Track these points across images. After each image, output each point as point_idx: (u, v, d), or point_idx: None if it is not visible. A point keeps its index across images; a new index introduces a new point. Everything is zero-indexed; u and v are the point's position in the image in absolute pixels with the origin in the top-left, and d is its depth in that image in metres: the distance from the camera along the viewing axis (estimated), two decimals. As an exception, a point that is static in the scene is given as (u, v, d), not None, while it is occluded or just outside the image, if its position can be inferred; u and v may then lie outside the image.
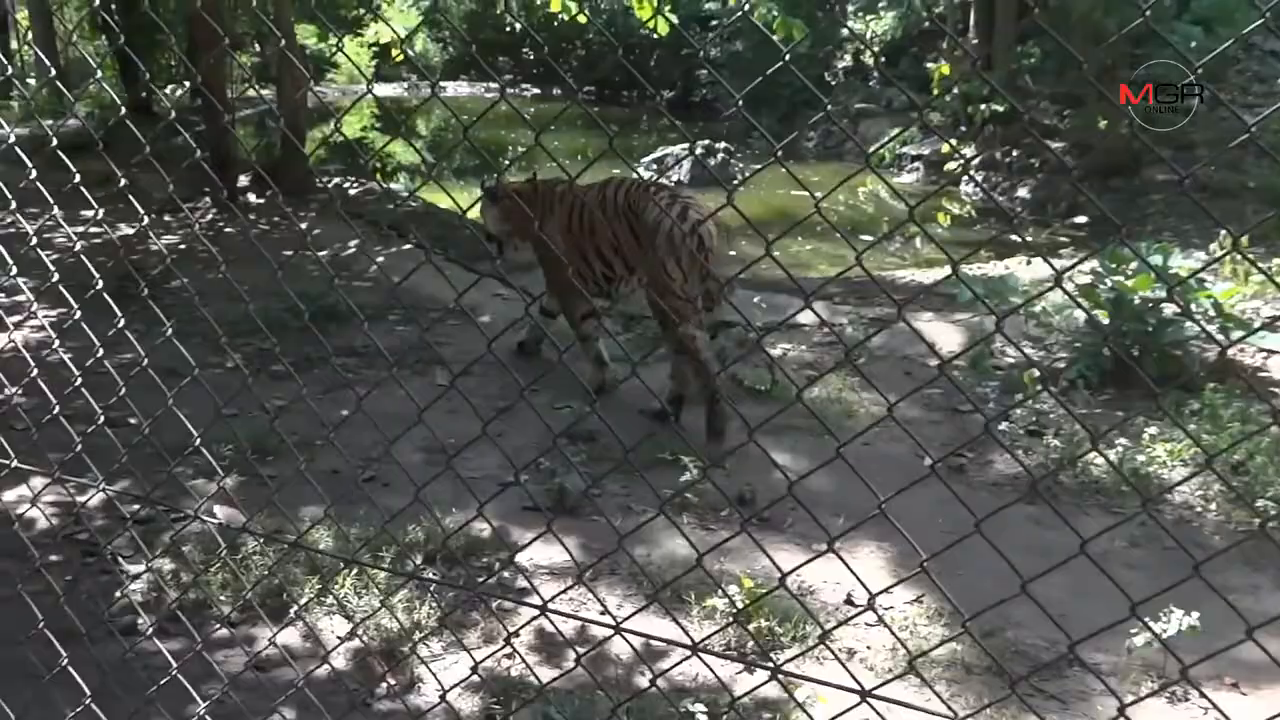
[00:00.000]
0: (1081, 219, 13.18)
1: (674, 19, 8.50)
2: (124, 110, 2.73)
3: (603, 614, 4.14)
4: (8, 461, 2.79)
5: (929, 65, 18.52)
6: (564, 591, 4.19)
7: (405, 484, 5.02)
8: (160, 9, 13.63)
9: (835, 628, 2.26)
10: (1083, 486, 5.44)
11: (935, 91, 12.42)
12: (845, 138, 17.08)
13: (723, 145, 16.23)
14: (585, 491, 5.06)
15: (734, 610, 4.14)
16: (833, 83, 20.60)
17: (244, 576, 4.24)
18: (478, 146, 3.43)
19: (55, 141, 2.58)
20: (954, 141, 14.19)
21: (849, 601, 4.48)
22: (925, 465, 5.66)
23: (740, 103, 1.75)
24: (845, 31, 20.80)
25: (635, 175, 8.39)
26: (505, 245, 7.22)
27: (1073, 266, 1.88)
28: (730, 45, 21.23)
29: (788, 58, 1.72)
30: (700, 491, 5.14)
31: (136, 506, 4.76)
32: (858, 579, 1.93)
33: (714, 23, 21.70)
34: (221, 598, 4.18)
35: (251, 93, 18.93)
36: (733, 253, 10.29)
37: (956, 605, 1.78)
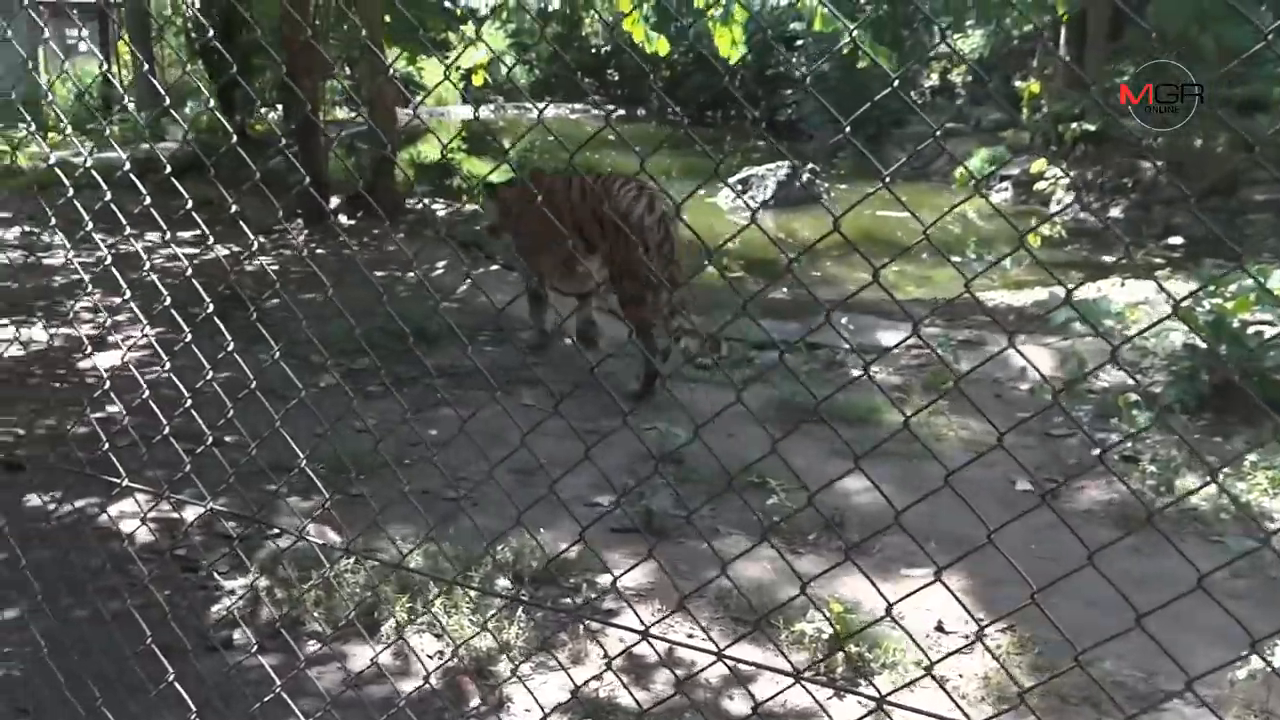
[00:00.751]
0: (1176, 240, 12.90)
1: (742, 49, 8.49)
2: (231, 136, 2.78)
3: (695, 637, 4.13)
4: (118, 480, 2.85)
5: (1018, 84, 18.32)
6: (665, 617, 4.18)
7: (494, 503, 5.10)
8: (256, 34, 13.92)
9: (942, 659, 2.21)
10: (1181, 514, 5.31)
11: (1025, 111, 12.29)
12: (931, 158, 16.93)
13: (809, 166, 16.17)
14: (686, 516, 5.06)
15: (826, 636, 4.11)
16: (920, 102, 20.45)
17: (336, 593, 4.29)
18: (579, 170, 3.45)
19: (169, 169, 2.63)
20: (1044, 160, 13.99)
21: (939, 629, 4.41)
22: (1019, 491, 5.58)
23: (847, 129, 1.73)
24: (932, 50, 20.64)
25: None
26: (502, 235, 8.04)
27: (1192, 295, 1.83)
28: (816, 66, 21.18)
29: (895, 83, 1.71)
30: (788, 513, 5.10)
31: (234, 523, 4.86)
32: (966, 610, 1.90)
33: (799, 43, 21.65)
34: (315, 614, 4.24)
35: (342, 115, 19.32)
36: (816, 273, 10.25)
37: (1069, 638, 1.75)
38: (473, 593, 4.27)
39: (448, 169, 14.86)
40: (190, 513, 5.00)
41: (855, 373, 7.22)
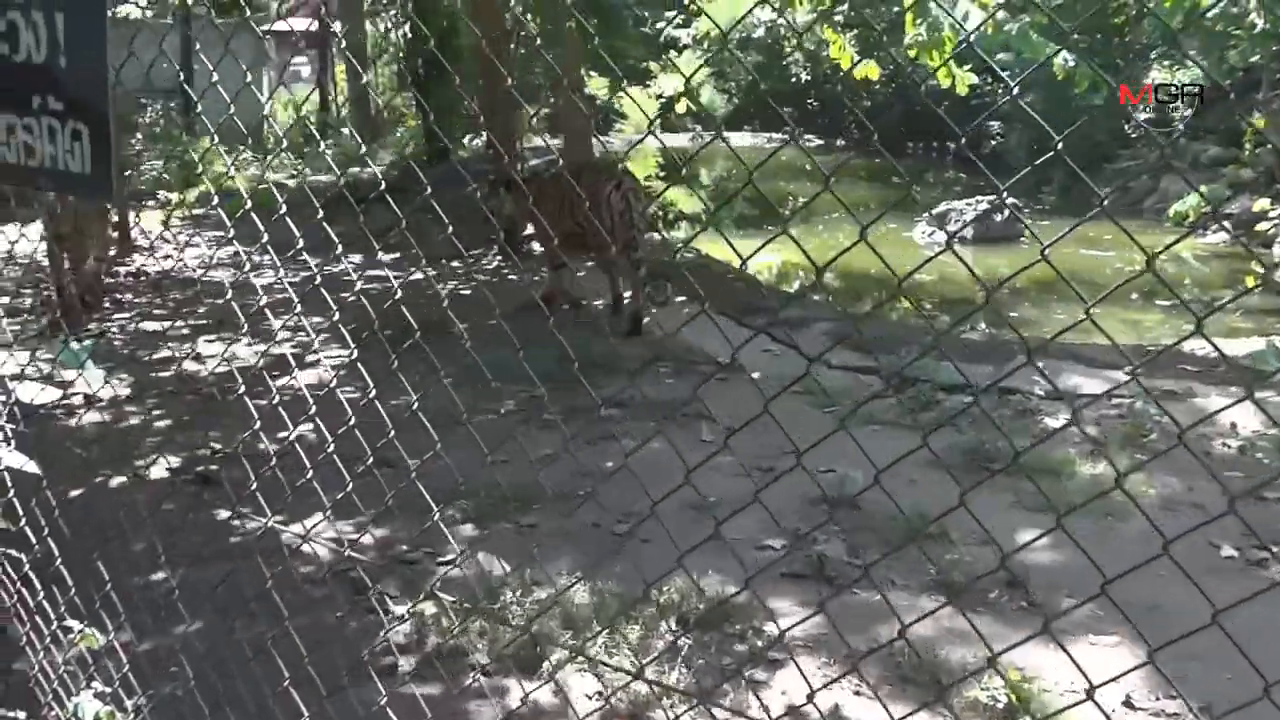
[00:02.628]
0: None
1: (973, 77, 8.16)
2: (433, 160, 2.79)
3: (862, 694, 3.97)
4: (280, 499, 2.89)
5: (1245, 120, 17.35)
6: (833, 682, 4.01)
7: (665, 540, 5.01)
8: (459, 63, 14.37)
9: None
10: None
11: (1248, 147, 11.58)
12: (1143, 194, 16.16)
13: (1010, 201, 15.62)
14: (860, 566, 4.89)
15: (1001, 705, 3.88)
16: (1132, 135, 19.57)
17: (500, 626, 4.29)
18: (765, 194, 3.36)
19: (384, 185, 2.66)
20: (1268, 199, 13.19)
21: (1128, 704, 4.12)
22: (1222, 557, 5.19)
23: (1059, 145, 1.58)
24: (1147, 81, 19.74)
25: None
26: (517, 228, 9.91)
27: None
28: (1022, 95, 20.49)
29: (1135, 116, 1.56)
30: (967, 569, 4.87)
31: (404, 548, 4.93)
32: (1185, 703, 1.71)
33: (1005, 73, 21.03)
34: (478, 645, 4.24)
35: (540, 142, 19.73)
36: (1014, 314, 9.85)
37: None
38: (635, 634, 4.21)
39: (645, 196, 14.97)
40: (369, 536, 5.11)
41: (1049, 421, 6.92)
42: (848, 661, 4.29)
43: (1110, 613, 4.47)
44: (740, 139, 26.13)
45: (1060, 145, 1.59)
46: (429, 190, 2.49)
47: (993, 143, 22.49)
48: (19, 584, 2.96)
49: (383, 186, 2.73)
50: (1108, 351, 8.06)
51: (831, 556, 4.99)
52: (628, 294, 9.54)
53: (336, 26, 20.61)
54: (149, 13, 11.02)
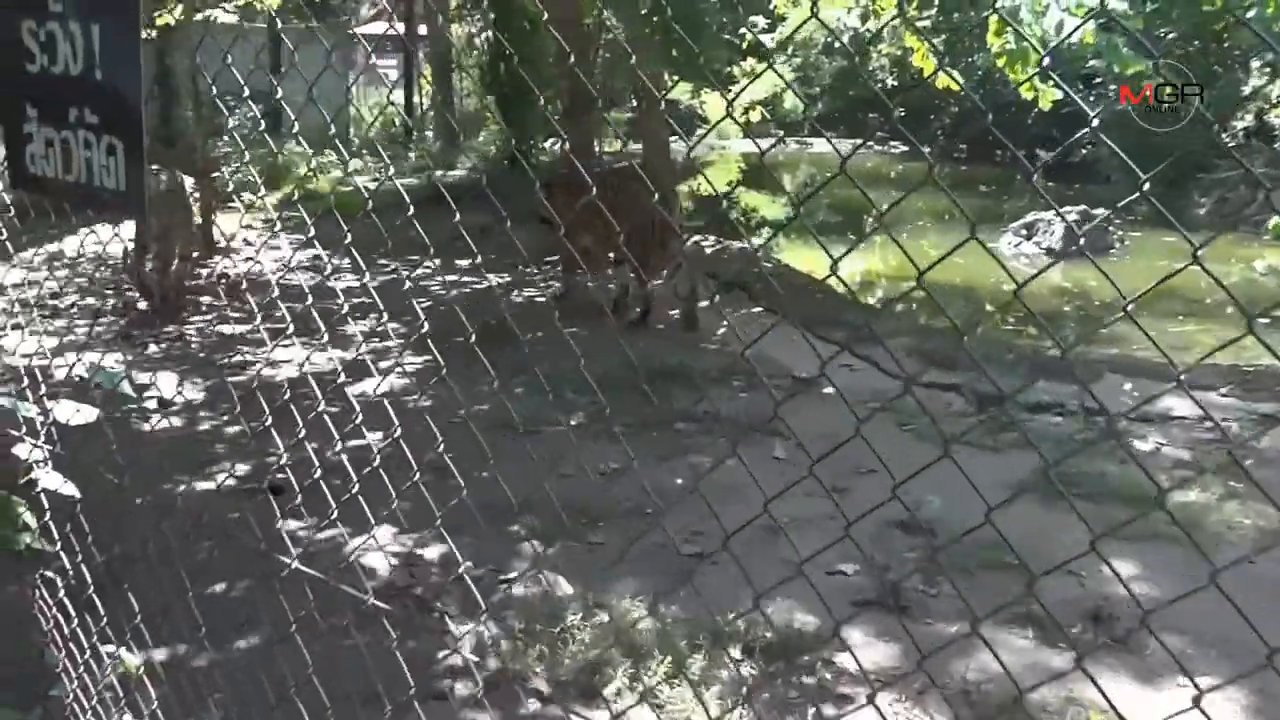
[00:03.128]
0: None
1: (1063, 87, 7.89)
2: (510, 164, 2.70)
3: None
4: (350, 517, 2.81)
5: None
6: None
7: (732, 562, 4.88)
8: (539, 69, 14.36)
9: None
10: None
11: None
12: (1240, 206, 15.64)
13: (1100, 211, 15.18)
14: (936, 595, 4.71)
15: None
16: (1230, 144, 18.96)
17: (560, 650, 4.19)
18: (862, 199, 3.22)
19: (462, 189, 2.58)
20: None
21: (1221, 752, 3.91)
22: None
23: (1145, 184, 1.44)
24: (1245, 90, 19.13)
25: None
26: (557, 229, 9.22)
27: None
28: (1115, 105, 19.95)
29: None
30: (1048, 600, 4.66)
31: (469, 563, 4.85)
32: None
33: (1097, 80, 20.50)
34: (537, 669, 4.14)
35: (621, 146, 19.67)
36: (1103, 330, 9.54)
37: None
38: (698, 664, 4.09)
39: (726, 203, 14.86)
40: (432, 551, 5.05)
41: (1137, 444, 6.65)
42: (921, 698, 4.13)
43: (1202, 650, 4.26)
44: (824, 145, 25.86)
45: (1145, 166, 1.45)
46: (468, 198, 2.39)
47: (1083, 151, 21.95)
48: (55, 608, 2.92)
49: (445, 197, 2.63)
50: (1205, 372, 7.76)
51: (906, 585, 4.82)
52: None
53: (422, 30, 20.77)
54: (234, 17, 11.13)
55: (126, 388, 2.60)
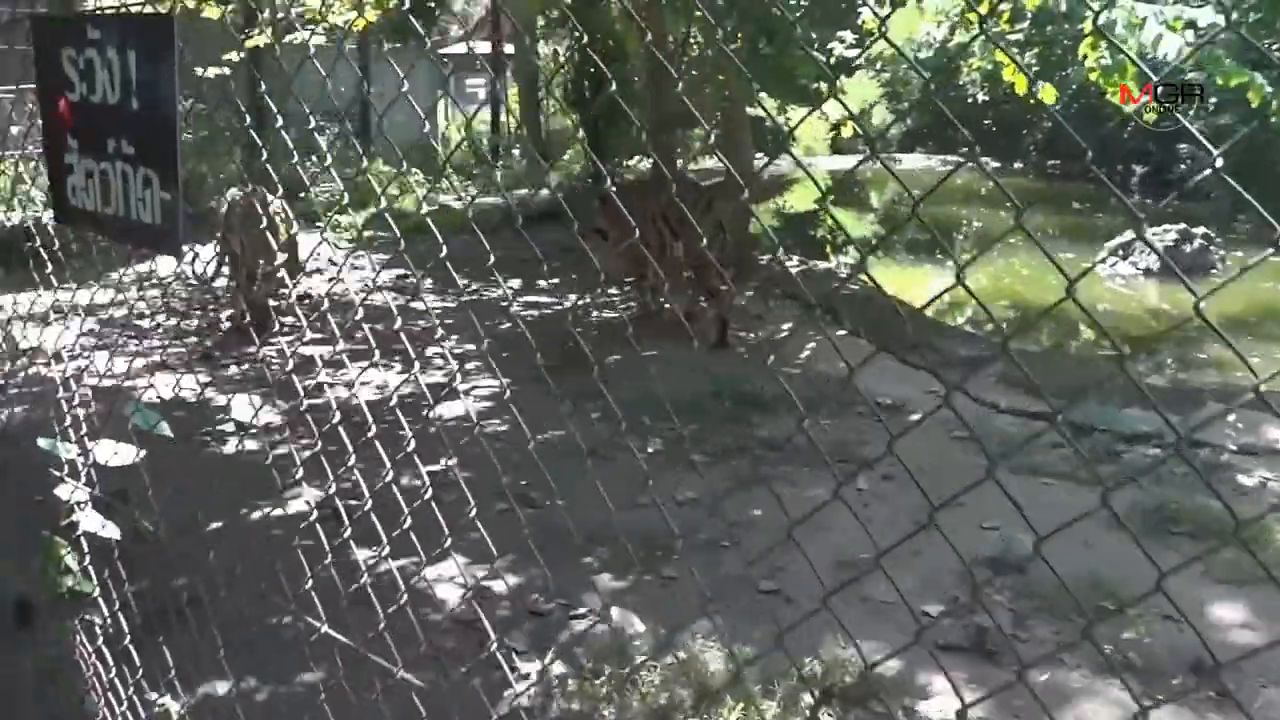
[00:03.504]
0: None
1: (1184, 123, 7.53)
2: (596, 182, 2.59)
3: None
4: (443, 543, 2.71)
5: None
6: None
7: (810, 600, 4.69)
8: (625, 87, 14.28)
9: None
10: None
11: None
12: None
13: (1200, 230, 14.64)
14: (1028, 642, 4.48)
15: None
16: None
17: (629, 692, 4.04)
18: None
19: (523, 205, 2.46)
20: None
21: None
22: None
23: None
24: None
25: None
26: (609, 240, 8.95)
27: None
28: (1215, 118, 19.32)
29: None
30: (1147, 650, 4.41)
31: (537, 596, 4.73)
32: None
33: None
34: (606, 712, 4.00)
35: (710, 164, 19.55)
36: (1202, 355, 9.14)
37: None
38: (772, 710, 3.91)
39: (813, 221, 14.65)
40: (501, 583, 4.92)
41: (1242, 479, 6.32)
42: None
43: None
44: (913, 160, 25.45)
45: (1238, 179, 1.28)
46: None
47: (1182, 167, 21.34)
48: (94, 655, 2.85)
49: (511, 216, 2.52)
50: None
51: (993, 628, 4.59)
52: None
53: (509, 48, 20.87)
54: (321, 39, 11.22)
55: (165, 429, 2.52)
